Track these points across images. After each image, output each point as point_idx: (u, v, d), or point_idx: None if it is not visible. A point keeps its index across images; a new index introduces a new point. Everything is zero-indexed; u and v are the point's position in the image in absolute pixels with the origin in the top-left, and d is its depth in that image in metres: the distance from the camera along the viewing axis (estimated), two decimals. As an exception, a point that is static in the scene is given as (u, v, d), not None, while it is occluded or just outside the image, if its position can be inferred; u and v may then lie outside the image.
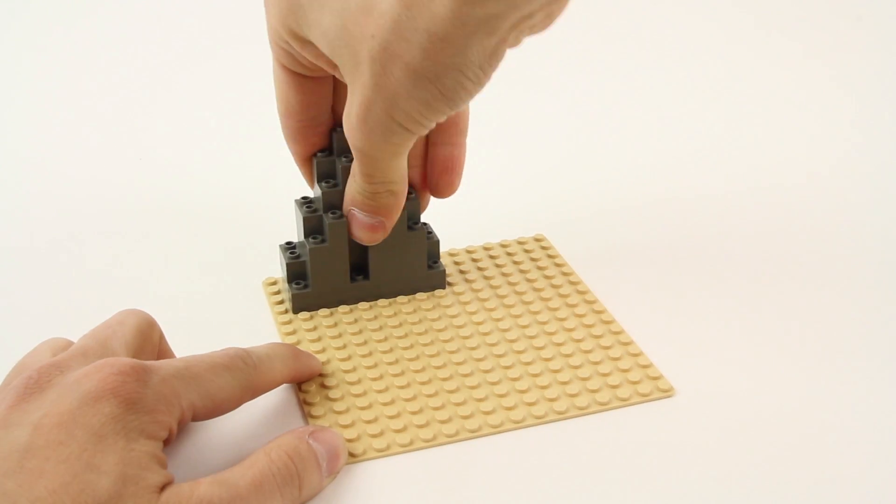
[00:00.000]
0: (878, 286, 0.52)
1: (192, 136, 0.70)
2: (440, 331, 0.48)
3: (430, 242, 0.51)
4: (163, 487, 0.34)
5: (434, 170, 0.48)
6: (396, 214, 0.46)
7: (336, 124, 0.48)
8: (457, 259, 0.54)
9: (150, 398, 0.35)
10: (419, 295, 0.51)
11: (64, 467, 0.32)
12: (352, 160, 0.48)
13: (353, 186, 0.45)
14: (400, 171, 0.44)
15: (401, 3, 0.35)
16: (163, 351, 0.42)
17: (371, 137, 0.40)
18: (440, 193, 0.49)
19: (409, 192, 0.50)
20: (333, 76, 0.46)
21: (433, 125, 0.40)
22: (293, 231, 0.51)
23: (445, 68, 0.36)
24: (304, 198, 0.50)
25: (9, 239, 0.58)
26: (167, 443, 0.36)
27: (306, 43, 0.41)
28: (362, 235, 0.47)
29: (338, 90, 0.47)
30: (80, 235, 0.58)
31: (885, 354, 0.47)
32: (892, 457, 0.40)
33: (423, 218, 0.51)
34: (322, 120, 0.48)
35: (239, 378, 0.39)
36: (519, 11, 0.35)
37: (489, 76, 0.37)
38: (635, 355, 0.46)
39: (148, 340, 0.41)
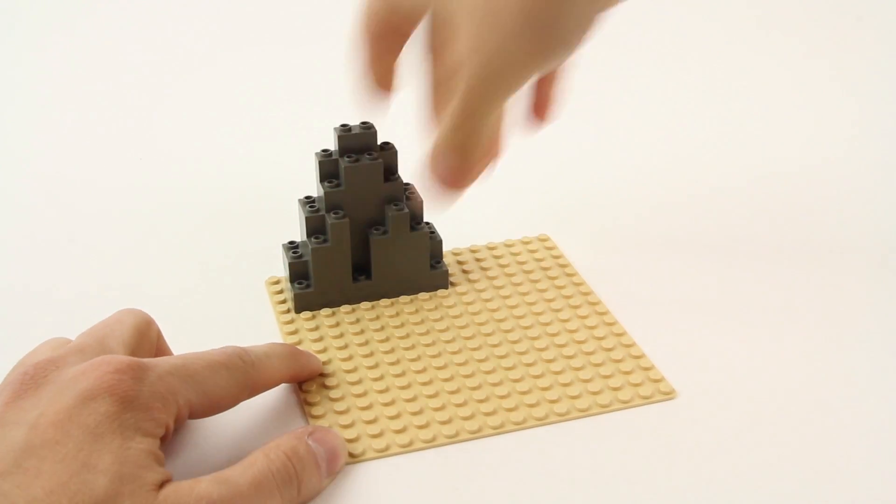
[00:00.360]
0: (883, 286, 0.52)
1: (194, 135, 0.70)
2: (442, 331, 0.48)
3: (432, 242, 0.51)
4: (161, 485, 0.34)
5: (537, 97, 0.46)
6: (476, 171, 0.41)
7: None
8: (460, 259, 0.54)
9: (147, 396, 0.35)
10: (421, 295, 0.51)
11: (61, 467, 0.32)
12: (354, 161, 0.48)
13: (441, 130, 0.39)
14: (493, 124, 0.40)
15: None
16: (161, 350, 0.42)
17: (478, 76, 0.36)
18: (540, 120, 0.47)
19: (412, 191, 0.50)
20: None
21: (537, 74, 0.37)
22: (296, 230, 0.51)
23: (558, 16, 0.35)
24: (306, 197, 0.50)
25: (9, 239, 0.58)
26: (164, 440, 0.36)
27: None
28: (439, 179, 0.40)
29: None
30: (81, 235, 0.58)
31: (889, 355, 0.47)
32: (894, 458, 0.40)
33: (426, 216, 0.51)
34: (406, 28, 0.41)
35: (237, 376, 0.39)
36: None
37: (600, 25, 0.37)
38: (637, 357, 0.46)
39: (146, 339, 0.41)
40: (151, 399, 0.35)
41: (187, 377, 0.37)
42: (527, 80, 0.37)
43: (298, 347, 0.45)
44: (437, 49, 0.40)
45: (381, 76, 0.43)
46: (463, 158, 0.39)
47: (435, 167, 0.40)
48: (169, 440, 0.37)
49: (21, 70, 0.81)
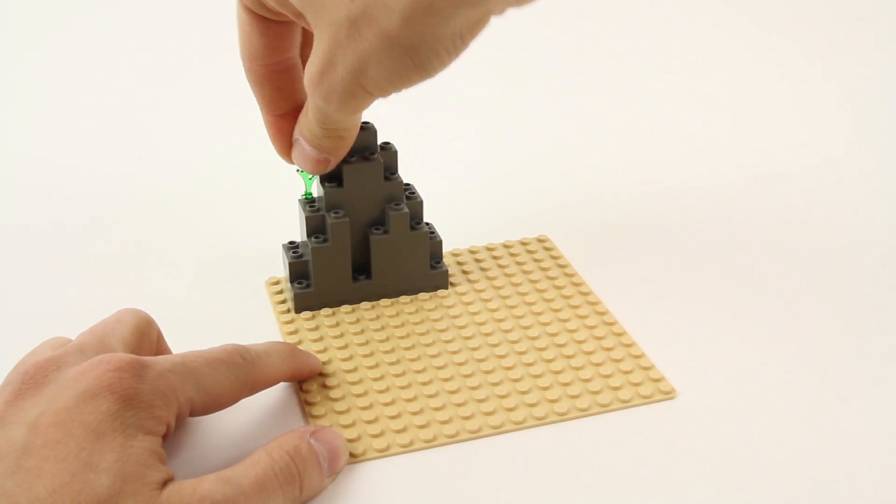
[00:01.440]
0: (883, 286, 0.52)
1: (194, 135, 0.70)
2: (442, 331, 0.48)
3: (432, 243, 0.51)
4: (164, 484, 0.34)
5: None
6: (342, 153, 0.44)
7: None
8: (460, 259, 0.54)
9: (147, 393, 0.35)
10: (421, 295, 0.51)
11: (62, 466, 0.32)
12: (353, 162, 0.48)
13: (304, 123, 0.43)
14: (353, 121, 0.43)
15: None
16: (161, 349, 0.42)
17: (330, 96, 0.38)
18: None
19: (415, 195, 0.50)
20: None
21: (399, 91, 0.38)
22: (296, 230, 0.51)
23: (423, 38, 0.34)
24: (307, 197, 0.50)
25: (9, 238, 0.58)
26: (165, 438, 0.36)
27: None
28: (306, 166, 0.45)
29: (307, 36, 0.45)
30: (81, 235, 0.58)
31: (889, 355, 0.47)
32: (893, 460, 0.40)
33: (426, 218, 0.51)
34: (288, 66, 0.44)
35: (236, 373, 0.39)
36: None
37: (467, 46, 0.36)
38: (637, 357, 0.46)
39: (146, 338, 0.41)
40: (152, 397, 0.35)
41: (188, 375, 0.37)
42: (392, 93, 0.38)
43: (298, 347, 0.45)
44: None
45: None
46: (321, 150, 0.43)
47: (297, 156, 0.44)
48: (170, 438, 0.36)
49: (21, 70, 0.81)
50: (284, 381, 0.43)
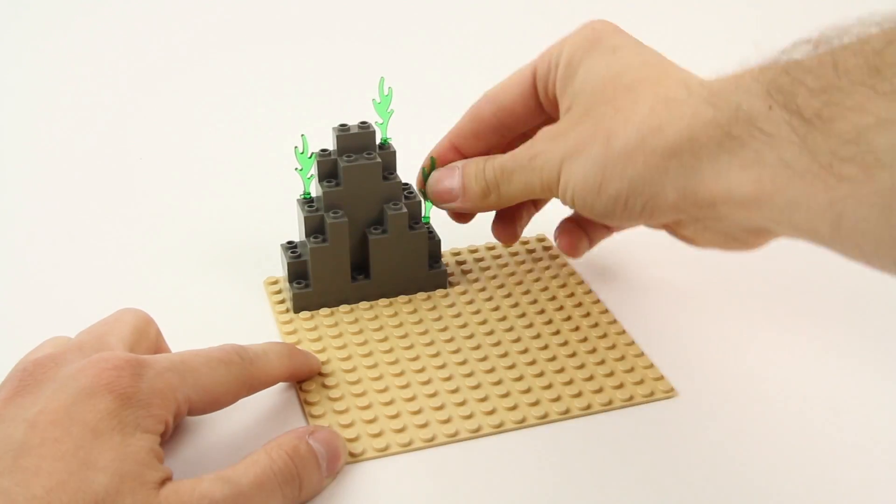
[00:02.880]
0: (884, 285, 0.52)
1: (194, 135, 0.70)
2: (441, 331, 0.48)
3: (431, 242, 0.51)
4: (162, 483, 0.34)
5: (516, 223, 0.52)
6: (476, 208, 0.49)
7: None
8: (459, 258, 0.54)
9: (146, 392, 0.35)
10: (420, 294, 0.51)
11: (60, 465, 0.32)
12: (353, 161, 0.48)
13: (481, 165, 0.47)
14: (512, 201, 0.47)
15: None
16: (160, 348, 0.42)
17: (532, 172, 0.44)
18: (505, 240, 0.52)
19: (411, 193, 0.50)
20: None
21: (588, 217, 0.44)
22: (294, 230, 0.51)
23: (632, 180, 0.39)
24: (305, 197, 0.49)
25: (9, 238, 0.58)
26: (164, 437, 0.36)
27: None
28: (437, 190, 0.49)
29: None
30: (80, 235, 0.58)
31: (889, 354, 0.47)
32: (893, 459, 0.40)
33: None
34: (514, 132, 0.49)
35: (235, 372, 0.39)
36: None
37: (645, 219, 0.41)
38: (637, 356, 0.46)
39: (145, 337, 0.41)
40: (151, 396, 0.35)
41: (186, 374, 0.37)
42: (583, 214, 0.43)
43: (296, 347, 0.45)
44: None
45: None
46: (468, 196, 0.48)
47: (450, 177, 0.48)
48: (168, 437, 0.36)
49: (21, 70, 0.81)
50: (283, 381, 0.43)
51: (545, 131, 0.43)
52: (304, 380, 0.44)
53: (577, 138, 0.41)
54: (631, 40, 0.44)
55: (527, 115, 0.48)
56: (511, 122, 0.48)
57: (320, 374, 0.45)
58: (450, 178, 0.48)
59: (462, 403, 0.43)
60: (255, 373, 0.40)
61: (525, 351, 0.46)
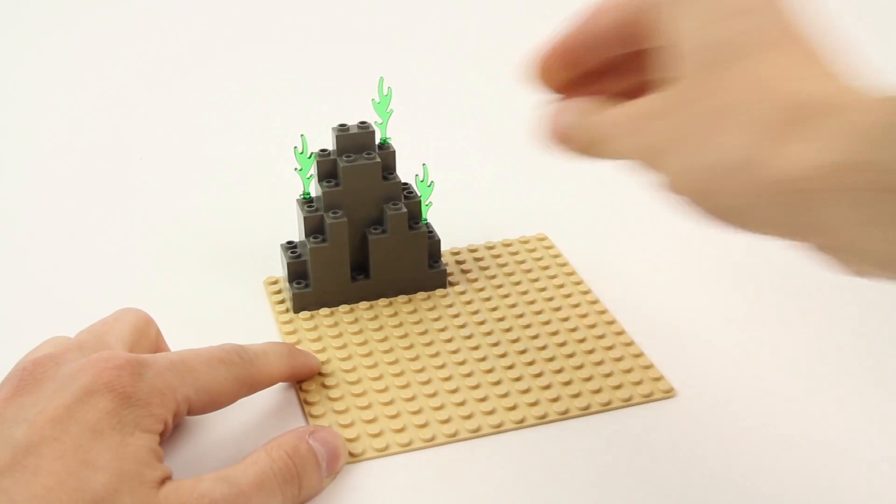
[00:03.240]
0: (884, 286, 0.52)
1: (193, 135, 0.70)
2: (440, 331, 0.48)
3: (431, 242, 0.51)
4: (161, 482, 0.34)
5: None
6: (580, 152, 0.37)
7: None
8: (459, 258, 0.54)
9: (145, 391, 0.35)
10: (420, 294, 0.51)
11: (60, 464, 0.32)
12: (352, 161, 0.48)
13: (598, 117, 0.35)
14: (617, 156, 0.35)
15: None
16: (160, 348, 0.42)
17: (632, 146, 0.33)
18: None
19: (411, 192, 0.50)
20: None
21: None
22: (294, 230, 0.51)
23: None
24: (304, 197, 0.50)
25: (9, 238, 0.58)
26: (163, 436, 0.36)
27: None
28: (550, 128, 0.38)
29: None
30: (80, 234, 0.58)
31: (889, 355, 0.47)
32: (892, 458, 0.40)
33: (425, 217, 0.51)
34: (596, 68, 0.37)
35: (234, 372, 0.39)
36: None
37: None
38: (637, 356, 0.46)
39: (144, 337, 0.41)
40: (150, 395, 0.35)
41: (185, 373, 0.37)
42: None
43: (296, 347, 0.45)
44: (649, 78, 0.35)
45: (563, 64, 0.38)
46: (571, 138, 0.37)
47: (558, 121, 0.37)
48: (167, 436, 0.36)
49: (21, 70, 0.81)
50: (283, 381, 0.43)
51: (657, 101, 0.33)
52: (305, 380, 0.44)
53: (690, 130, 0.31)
54: None
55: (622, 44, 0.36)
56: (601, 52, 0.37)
57: (320, 374, 0.45)
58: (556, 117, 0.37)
59: (462, 403, 0.43)
60: (254, 373, 0.40)
61: (524, 351, 0.46)
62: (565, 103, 0.38)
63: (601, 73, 0.38)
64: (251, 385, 0.40)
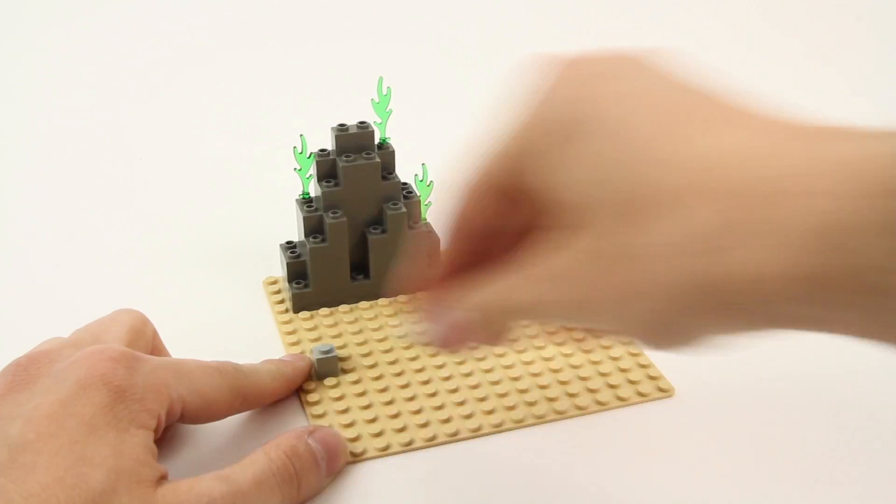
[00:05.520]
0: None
1: (193, 135, 0.70)
2: (440, 330, 0.48)
3: (430, 242, 0.51)
4: (158, 481, 0.34)
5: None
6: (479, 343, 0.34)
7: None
8: (458, 259, 0.54)
9: (140, 386, 0.35)
10: (420, 294, 0.50)
11: (56, 460, 0.32)
12: (352, 161, 0.48)
13: (481, 295, 0.32)
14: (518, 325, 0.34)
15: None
16: (156, 349, 0.42)
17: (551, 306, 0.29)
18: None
19: (410, 192, 0.50)
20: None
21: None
22: (294, 230, 0.51)
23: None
24: (304, 197, 0.50)
25: (9, 239, 0.58)
26: (156, 433, 0.35)
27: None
28: (438, 334, 0.34)
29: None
30: (80, 235, 0.58)
31: (888, 354, 0.47)
32: (893, 456, 0.40)
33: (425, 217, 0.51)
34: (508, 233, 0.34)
35: (228, 381, 0.39)
36: None
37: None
38: (635, 355, 0.46)
39: (141, 337, 0.41)
40: (145, 390, 0.35)
41: (180, 373, 0.37)
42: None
43: (284, 357, 0.44)
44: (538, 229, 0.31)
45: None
46: (472, 335, 0.33)
47: (439, 319, 0.34)
48: (160, 434, 0.36)
49: (22, 70, 0.81)
50: (279, 396, 0.43)
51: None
52: (301, 383, 0.44)
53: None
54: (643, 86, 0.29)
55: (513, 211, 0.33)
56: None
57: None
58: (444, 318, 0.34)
59: (462, 403, 0.43)
60: (247, 384, 0.40)
61: (524, 350, 0.46)
62: (437, 302, 0.34)
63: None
64: (245, 397, 0.40)
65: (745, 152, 0.25)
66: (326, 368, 0.44)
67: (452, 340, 0.34)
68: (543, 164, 0.29)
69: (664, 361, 0.46)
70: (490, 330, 0.33)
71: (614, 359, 0.46)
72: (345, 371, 0.45)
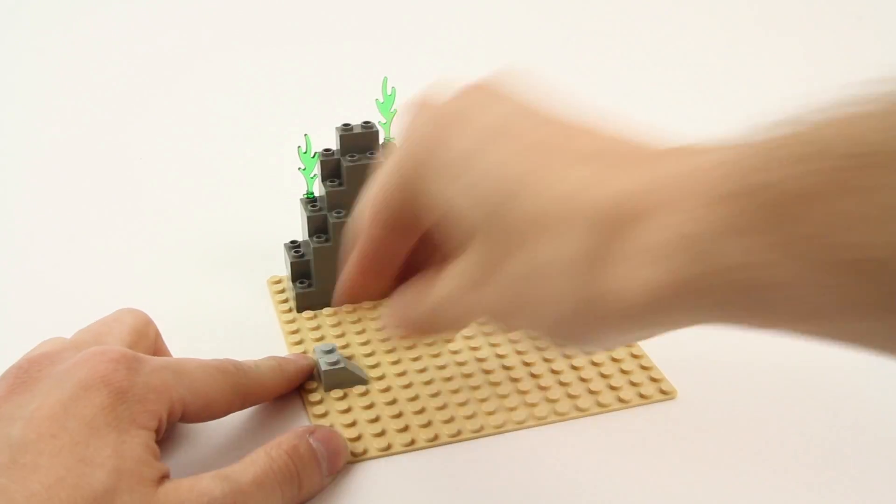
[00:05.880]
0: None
1: (196, 135, 0.70)
2: (443, 331, 0.48)
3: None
4: (160, 480, 0.34)
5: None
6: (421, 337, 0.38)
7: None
8: (461, 259, 0.54)
9: (141, 387, 0.35)
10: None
11: (58, 461, 0.32)
12: (355, 161, 0.48)
13: (418, 299, 0.34)
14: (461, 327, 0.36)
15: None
16: (159, 349, 0.42)
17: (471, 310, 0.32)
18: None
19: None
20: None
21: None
22: (298, 230, 0.52)
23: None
24: (308, 196, 0.50)
25: (10, 239, 0.58)
26: (157, 433, 0.36)
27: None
28: (394, 323, 0.37)
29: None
30: (82, 235, 0.58)
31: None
32: (894, 457, 0.40)
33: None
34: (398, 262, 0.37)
35: (229, 380, 0.39)
36: None
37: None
38: (638, 357, 0.46)
39: (143, 338, 0.41)
40: (146, 391, 0.35)
41: (181, 374, 0.37)
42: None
43: (286, 355, 0.45)
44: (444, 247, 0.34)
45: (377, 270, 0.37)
46: (419, 331, 0.36)
47: (394, 317, 0.36)
48: (162, 435, 0.36)
49: (22, 70, 0.82)
50: (279, 393, 0.43)
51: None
52: (303, 382, 0.44)
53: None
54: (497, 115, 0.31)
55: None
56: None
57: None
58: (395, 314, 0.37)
59: (464, 404, 0.43)
60: (248, 383, 0.40)
61: (526, 352, 0.46)
62: (396, 296, 0.36)
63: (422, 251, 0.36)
64: (245, 395, 0.40)
65: (602, 179, 0.27)
66: (334, 380, 0.44)
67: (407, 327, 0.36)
68: (430, 191, 0.32)
69: (667, 364, 0.46)
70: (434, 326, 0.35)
71: (616, 360, 0.46)
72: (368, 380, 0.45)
